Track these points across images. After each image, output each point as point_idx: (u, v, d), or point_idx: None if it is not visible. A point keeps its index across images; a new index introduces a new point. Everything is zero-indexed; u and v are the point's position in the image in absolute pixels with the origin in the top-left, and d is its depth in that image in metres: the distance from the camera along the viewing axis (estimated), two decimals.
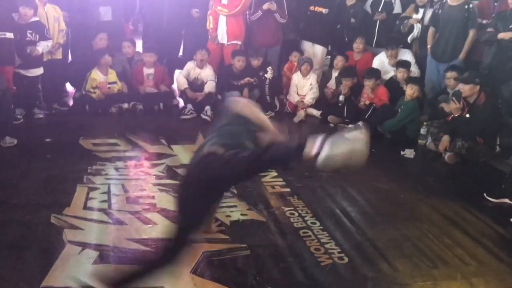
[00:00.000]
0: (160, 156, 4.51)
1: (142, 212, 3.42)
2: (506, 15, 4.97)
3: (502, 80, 4.83)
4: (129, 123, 5.46)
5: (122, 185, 3.85)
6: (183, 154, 4.58)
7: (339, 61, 6.26)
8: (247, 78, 6.08)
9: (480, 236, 3.40)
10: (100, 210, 3.43)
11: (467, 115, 4.75)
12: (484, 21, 5.38)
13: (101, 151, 4.55)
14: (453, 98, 4.79)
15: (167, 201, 3.59)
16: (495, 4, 5.44)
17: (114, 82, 5.86)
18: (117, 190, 3.75)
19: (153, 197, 3.66)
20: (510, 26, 4.85)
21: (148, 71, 6.04)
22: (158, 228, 3.23)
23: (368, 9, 6.35)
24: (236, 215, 3.45)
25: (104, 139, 4.86)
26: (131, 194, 3.71)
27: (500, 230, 3.52)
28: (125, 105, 5.87)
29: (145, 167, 4.24)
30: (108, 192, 3.70)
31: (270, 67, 6.23)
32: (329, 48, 6.77)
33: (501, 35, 4.89)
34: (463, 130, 4.75)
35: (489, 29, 5.12)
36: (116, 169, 4.17)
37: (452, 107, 4.84)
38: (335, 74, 6.30)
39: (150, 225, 3.26)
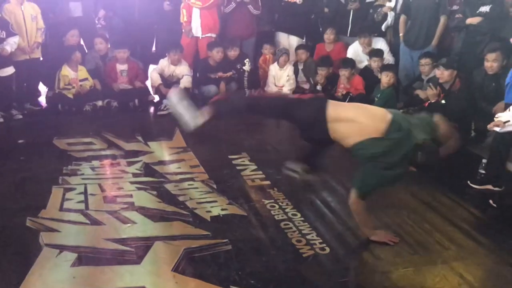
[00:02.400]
0: (136, 153, 4.44)
1: (120, 211, 3.37)
2: (473, 0, 5.03)
3: (474, 65, 4.88)
4: (104, 121, 5.37)
5: (99, 184, 3.78)
6: (160, 151, 4.53)
7: (301, 53, 6.26)
8: (228, 73, 6.03)
9: (459, 221, 3.44)
10: (77, 211, 3.36)
11: (443, 101, 4.79)
12: (454, 7, 5.44)
13: (76, 150, 4.47)
14: (430, 84, 4.83)
15: (145, 199, 3.55)
16: None
17: (86, 79, 5.75)
18: (94, 190, 3.68)
19: (131, 196, 3.60)
20: (477, 11, 4.90)
21: (121, 67, 5.94)
22: (137, 227, 3.19)
23: None
24: (216, 210, 3.42)
25: (79, 138, 4.77)
26: (108, 193, 3.65)
27: (478, 214, 3.57)
28: (99, 103, 5.77)
29: (122, 165, 4.17)
30: (84, 193, 3.63)
31: (247, 59, 6.20)
32: (304, 39, 6.76)
33: (469, 20, 4.96)
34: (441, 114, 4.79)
35: (457, 15, 5.17)
36: (92, 168, 4.09)
37: (429, 93, 4.89)
38: (300, 67, 6.31)
39: (129, 224, 3.21)
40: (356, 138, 2.82)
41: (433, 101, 4.88)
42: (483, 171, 4.04)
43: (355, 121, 2.84)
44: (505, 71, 4.48)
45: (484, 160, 4.07)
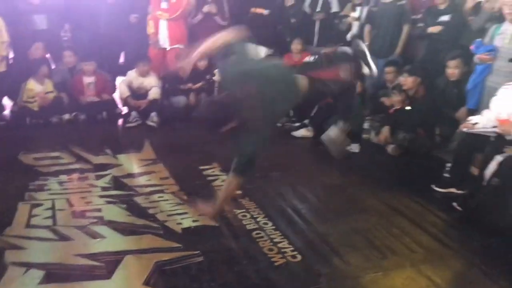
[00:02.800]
0: (105, 166, 4.38)
1: (89, 226, 3.31)
2: (433, 10, 5.19)
3: (436, 72, 5.03)
4: (71, 135, 5.28)
5: (67, 199, 3.72)
6: (129, 163, 4.49)
7: None
8: (200, 84, 6.02)
9: (426, 224, 3.52)
10: (45, 227, 3.29)
11: (408, 108, 4.92)
12: (415, 17, 5.60)
13: (43, 165, 4.38)
14: (395, 91, 4.96)
15: (115, 213, 3.51)
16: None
17: (51, 92, 5.64)
18: (62, 205, 3.61)
19: (100, 210, 3.55)
20: (438, 20, 5.06)
21: (88, 80, 5.87)
22: (107, 241, 3.14)
23: (307, 9, 6.45)
24: (187, 222, 3.41)
25: (45, 152, 4.68)
26: (77, 208, 3.58)
27: (444, 216, 3.66)
28: (67, 116, 5.68)
29: (90, 179, 4.11)
30: (52, 208, 3.56)
31: (217, 69, 6.20)
32: (272, 49, 6.81)
33: (430, 29, 5.11)
34: (404, 121, 4.92)
35: (419, 24, 5.33)
36: (60, 183, 4.02)
37: (394, 99, 5.01)
38: None
39: (98, 239, 3.16)
40: None
41: (398, 107, 5.00)
42: (448, 175, 4.15)
43: None
44: (466, 77, 4.64)
45: (448, 164, 4.19)
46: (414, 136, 4.88)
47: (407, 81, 4.94)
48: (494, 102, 3.85)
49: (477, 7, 4.98)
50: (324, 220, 3.57)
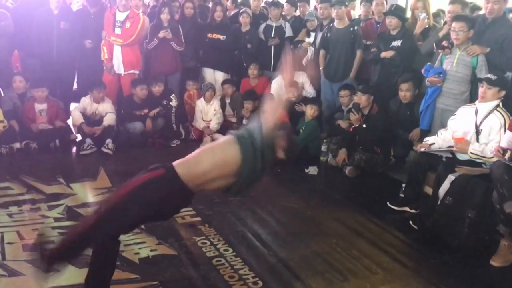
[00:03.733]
0: (58, 196, 4.22)
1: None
2: (386, 36, 5.38)
3: (389, 95, 5.19)
4: (22, 164, 5.07)
5: (17, 232, 3.54)
6: (83, 192, 4.35)
7: (227, 88, 6.38)
8: (155, 110, 5.95)
9: (385, 245, 3.58)
10: None
11: (364, 125, 5.07)
12: (369, 42, 5.78)
13: None
14: (353, 110, 5.11)
15: None
16: (378, 26, 5.88)
17: (1, 121, 5.42)
18: (12, 238, 3.44)
19: (53, 242, 3.39)
20: (390, 45, 5.25)
21: (40, 106, 5.68)
22: (61, 275, 3.00)
23: (261, 35, 6.55)
24: (145, 252, 3.31)
25: None
26: (28, 240, 3.41)
27: (401, 236, 3.73)
28: (17, 145, 5.44)
29: (42, 210, 3.95)
30: (1, 242, 3.38)
31: (173, 95, 6.17)
32: (229, 74, 6.87)
33: (383, 54, 5.28)
34: (362, 138, 5.08)
35: (373, 49, 5.50)
36: (10, 215, 3.83)
37: (352, 118, 5.16)
38: (228, 101, 6.42)
39: (51, 273, 3.01)
40: (219, 183, 2.63)
41: (356, 125, 5.12)
42: (403, 195, 4.25)
43: (212, 176, 2.58)
44: (418, 99, 4.82)
45: (404, 185, 4.29)
46: (370, 157, 4.99)
47: (361, 99, 5.12)
48: (451, 121, 4.00)
49: (425, 33, 5.21)
50: (284, 244, 3.56)
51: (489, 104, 3.75)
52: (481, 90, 3.79)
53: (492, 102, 3.74)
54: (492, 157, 3.57)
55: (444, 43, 4.33)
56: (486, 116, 3.74)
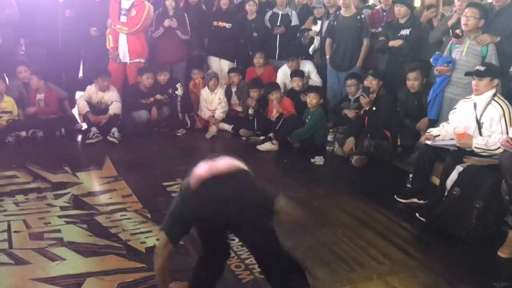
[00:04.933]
0: (64, 185, 4.23)
1: (48, 248, 3.18)
2: (394, 24, 5.32)
3: (397, 85, 5.14)
4: (28, 153, 5.08)
5: (23, 220, 3.55)
6: (89, 181, 4.36)
7: (233, 77, 6.34)
8: (158, 96, 5.94)
9: (391, 235, 3.56)
10: (0, 251, 3.12)
11: (374, 108, 5.08)
12: (375, 30, 5.72)
13: None
14: (363, 93, 5.12)
15: (75, 234, 3.38)
16: (384, 14, 5.80)
17: (10, 112, 5.42)
18: (19, 227, 3.45)
19: (59, 231, 3.42)
20: (399, 34, 5.18)
21: (39, 96, 5.68)
22: (67, 263, 3.02)
23: (268, 23, 6.49)
24: (151, 241, 3.31)
25: (0, 172, 4.47)
26: (34, 229, 3.43)
27: (408, 227, 3.71)
28: (23, 133, 5.46)
29: (48, 199, 3.95)
30: (8, 230, 3.39)
31: (179, 84, 6.15)
32: (235, 63, 6.83)
33: (391, 43, 5.22)
34: (372, 122, 5.07)
35: (380, 38, 5.44)
36: (16, 203, 3.84)
37: (362, 101, 5.15)
38: (234, 89, 6.39)
39: (57, 262, 3.03)
40: None
41: (366, 109, 5.11)
42: (410, 186, 4.22)
43: None
44: (426, 89, 4.76)
45: (411, 175, 4.25)
46: (379, 143, 4.96)
47: (371, 83, 5.12)
48: (452, 115, 3.96)
49: (430, 22, 5.15)
50: (290, 234, 3.52)
51: (485, 96, 3.70)
52: (473, 83, 3.75)
53: (488, 93, 3.69)
54: (497, 149, 3.54)
55: (458, 31, 4.25)
56: (485, 108, 3.69)
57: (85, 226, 3.51)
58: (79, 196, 4.01)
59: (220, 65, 6.63)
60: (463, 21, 4.19)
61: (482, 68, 3.72)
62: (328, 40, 5.92)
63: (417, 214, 3.84)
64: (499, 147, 3.50)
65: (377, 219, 3.82)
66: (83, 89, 6.03)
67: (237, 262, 3.09)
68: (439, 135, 3.93)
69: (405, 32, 5.14)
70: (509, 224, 3.37)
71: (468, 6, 4.20)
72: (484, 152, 3.63)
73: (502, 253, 3.29)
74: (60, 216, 3.65)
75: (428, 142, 3.93)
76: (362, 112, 5.23)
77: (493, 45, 4.14)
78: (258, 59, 6.41)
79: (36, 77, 5.61)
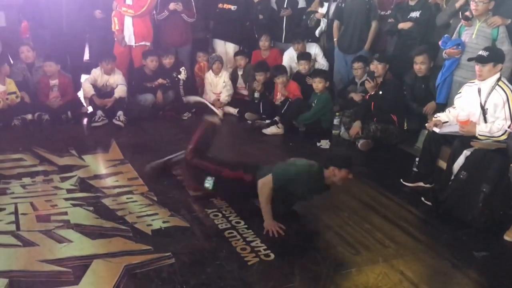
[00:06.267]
0: (70, 168, 4.24)
1: (54, 230, 3.19)
2: (404, 6, 5.24)
3: (405, 68, 5.08)
4: (34, 136, 5.09)
5: (30, 203, 3.57)
6: (95, 164, 4.36)
7: (239, 60, 6.30)
8: (160, 80, 5.92)
9: (397, 219, 3.56)
10: (7, 232, 3.15)
11: (380, 92, 5.03)
12: (384, 13, 5.64)
13: (4, 168, 4.20)
14: (367, 77, 5.09)
15: (82, 216, 3.40)
16: None
17: (14, 93, 5.42)
18: (26, 209, 3.47)
19: (65, 213, 3.43)
20: (408, 16, 5.11)
21: (52, 82, 5.66)
22: (74, 245, 3.04)
23: (274, 5, 6.42)
24: (157, 224, 3.33)
25: (7, 154, 4.49)
26: (41, 212, 3.45)
27: (414, 211, 3.71)
28: (29, 116, 5.46)
29: (55, 181, 3.97)
30: (15, 212, 3.41)
31: (183, 68, 6.12)
32: (240, 46, 6.78)
33: (400, 25, 5.15)
34: (378, 106, 5.03)
35: (390, 20, 5.37)
36: (23, 186, 3.86)
37: (367, 86, 5.12)
38: (240, 72, 6.35)
39: (64, 244, 3.05)
40: None
41: (372, 93, 5.08)
42: (416, 169, 4.20)
43: None
44: (433, 72, 4.71)
45: (417, 159, 4.23)
46: (386, 126, 4.93)
47: (377, 68, 5.07)
48: (457, 100, 3.92)
49: (438, 5, 5.07)
50: (296, 217, 3.55)
51: (489, 81, 3.66)
52: (476, 68, 3.70)
53: (491, 78, 3.65)
54: (501, 136, 3.52)
55: (468, 13, 4.18)
56: (489, 94, 3.65)
57: (91, 208, 3.52)
58: (85, 179, 4.03)
59: (226, 48, 6.59)
60: (472, 6, 4.12)
61: (485, 54, 3.66)
62: (336, 22, 5.85)
63: (422, 198, 3.83)
64: (503, 134, 3.49)
65: (383, 203, 3.82)
66: (88, 72, 6.01)
67: (243, 244, 3.10)
68: (447, 121, 3.90)
69: (415, 14, 5.07)
70: None
71: None
72: (488, 139, 3.60)
73: (508, 237, 3.29)
74: (66, 199, 3.67)
75: (436, 130, 3.90)
76: (367, 97, 5.19)
77: (504, 27, 4.07)
78: (264, 42, 6.36)
79: (49, 63, 5.57)
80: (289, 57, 6.26)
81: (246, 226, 3.34)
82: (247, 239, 3.17)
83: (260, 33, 6.46)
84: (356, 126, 5.08)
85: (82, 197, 3.71)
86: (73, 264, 2.82)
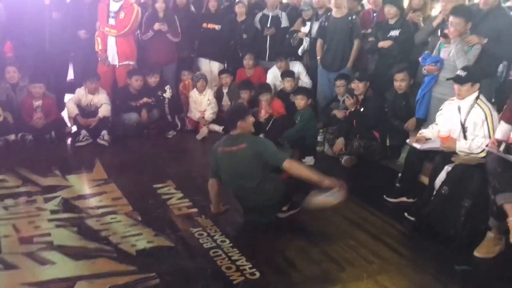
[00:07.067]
0: (54, 188, 4.21)
1: (37, 252, 3.16)
2: (383, 25, 5.35)
3: (386, 86, 5.17)
4: (18, 156, 5.04)
5: (13, 225, 3.53)
6: (79, 184, 4.34)
7: (224, 78, 6.36)
8: (145, 99, 5.93)
9: (381, 234, 3.58)
10: None
11: (361, 109, 5.12)
12: (365, 31, 5.75)
13: None
14: (347, 95, 5.18)
15: (65, 237, 3.37)
16: (374, 15, 5.84)
17: None
18: (8, 231, 3.43)
19: (49, 234, 3.40)
20: (388, 35, 5.22)
21: (36, 103, 5.63)
22: (57, 267, 3.01)
23: (258, 25, 6.51)
24: (142, 244, 3.31)
25: None
26: (24, 233, 3.41)
27: (398, 226, 3.74)
28: (12, 137, 5.41)
29: (38, 202, 3.93)
30: None
31: (168, 86, 6.15)
32: (225, 64, 6.84)
33: (381, 44, 5.25)
34: (360, 122, 5.10)
35: (370, 39, 5.47)
36: (5, 208, 3.82)
37: (347, 103, 5.21)
38: (225, 90, 6.40)
39: (47, 266, 3.02)
40: None
41: (352, 110, 5.15)
42: (399, 185, 4.25)
43: None
44: (413, 89, 4.80)
45: (400, 175, 4.29)
46: (368, 143, 4.99)
47: (358, 86, 5.16)
48: (439, 117, 4.00)
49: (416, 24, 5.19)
50: (281, 234, 3.56)
51: (468, 99, 3.75)
52: (455, 88, 3.80)
53: (470, 97, 3.75)
54: (480, 153, 3.60)
55: (447, 31, 4.28)
56: (469, 112, 3.75)
57: (75, 229, 3.49)
58: (69, 200, 4.00)
59: (210, 66, 6.64)
60: (450, 29, 4.21)
61: (463, 74, 3.76)
62: (319, 41, 5.94)
63: (406, 214, 3.87)
64: (482, 151, 3.57)
65: (367, 219, 3.85)
66: (72, 91, 6.00)
67: (228, 263, 3.10)
68: (430, 138, 3.98)
69: (395, 33, 5.17)
70: (490, 225, 3.37)
71: (453, 14, 4.22)
72: (467, 155, 3.68)
73: (478, 253, 3.29)
74: (50, 220, 3.64)
75: (417, 146, 3.96)
76: (348, 113, 5.27)
77: (479, 45, 4.18)
78: (248, 61, 6.42)
79: (38, 85, 5.55)
80: (273, 75, 6.33)
81: (231, 244, 3.34)
82: (232, 258, 3.17)
83: (244, 52, 6.53)
84: (339, 142, 5.14)
85: (66, 218, 3.68)
86: (56, 287, 2.79)
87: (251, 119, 3.72)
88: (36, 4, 5.84)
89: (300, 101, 5.49)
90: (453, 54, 4.19)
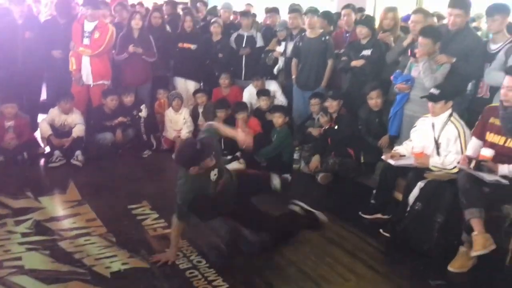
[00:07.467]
0: (26, 210, 4.11)
1: (7, 277, 3.08)
2: (356, 45, 5.46)
3: (359, 103, 5.26)
4: None
5: None
6: (52, 206, 4.25)
7: (200, 97, 6.38)
8: (120, 118, 5.89)
9: (357, 251, 3.61)
10: None
11: (336, 127, 5.22)
12: (338, 51, 5.85)
13: None
14: (321, 113, 5.29)
15: (37, 261, 3.30)
16: (347, 35, 5.96)
17: None
18: None
19: (20, 258, 3.32)
20: (360, 55, 5.33)
21: (8, 123, 5.53)
22: None
23: (233, 44, 6.57)
24: (116, 266, 3.26)
25: None
26: None
27: (373, 243, 3.77)
28: None
29: (8, 225, 3.83)
30: None
31: (143, 105, 6.12)
32: (201, 84, 6.85)
33: (353, 63, 5.35)
34: (335, 139, 5.19)
35: (343, 58, 5.57)
36: None
37: (322, 121, 5.31)
38: (201, 110, 6.41)
39: None
40: None
41: (326, 127, 5.21)
42: (374, 201, 4.30)
43: None
44: (386, 107, 4.89)
45: (374, 191, 4.34)
46: (343, 160, 5.04)
47: (332, 104, 5.26)
48: (413, 133, 4.09)
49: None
50: (257, 253, 3.55)
51: (442, 117, 3.88)
52: (429, 105, 3.92)
53: (444, 114, 3.87)
54: (452, 169, 3.69)
55: (416, 51, 4.40)
56: (442, 129, 3.86)
57: (47, 252, 3.42)
58: (41, 222, 3.91)
59: (186, 85, 6.65)
60: (419, 50, 4.32)
61: (436, 92, 3.87)
62: (294, 61, 6.01)
63: (381, 230, 3.91)
64: (455, 167, 3.65)
65: (343, 236, 3.87)
66: (45, 111, 5.91)
67: (204, 284, 3.08)
68: (405, 155, 4.05)
69: (367, 52, 5.28)
70: (462, 240, 3.44)
71: (421, 35, 4.34)
72: (440, 171, 3.76)
73: (452, 267, 3.36)
74: (21, 243, 3.54)
75: (391, 162, 4.03)
76: (322, 131, 5.35)
77: (448, 65, 4.30)
78: (224, 80, 6.46)
79: (10, 105, 5.46)
80: (249, 94, 6.37)
81: (207, 265, 3.31)
82: (209, 278, 3.14)
83: (219, 71, 6.56)
84: (315, 160, 5.19)
85: (38, 240, 3.59)
86: None
87: (205, 162, 3.25)
88: (8, 23, 5.77)
89: (278, 119, 5.54)
90: (422, 72, 4.30)
